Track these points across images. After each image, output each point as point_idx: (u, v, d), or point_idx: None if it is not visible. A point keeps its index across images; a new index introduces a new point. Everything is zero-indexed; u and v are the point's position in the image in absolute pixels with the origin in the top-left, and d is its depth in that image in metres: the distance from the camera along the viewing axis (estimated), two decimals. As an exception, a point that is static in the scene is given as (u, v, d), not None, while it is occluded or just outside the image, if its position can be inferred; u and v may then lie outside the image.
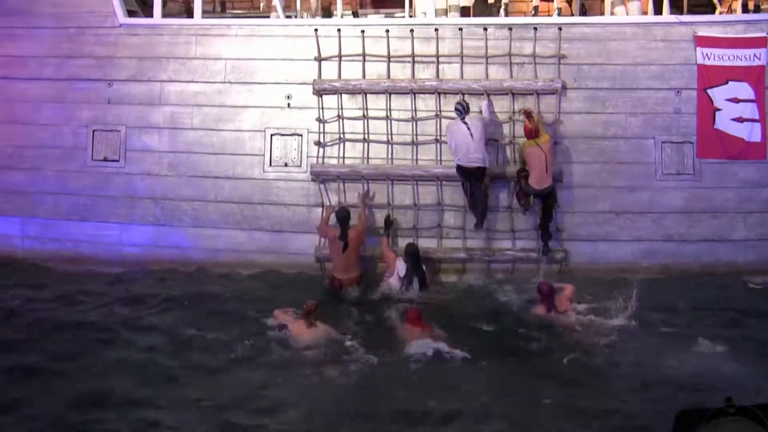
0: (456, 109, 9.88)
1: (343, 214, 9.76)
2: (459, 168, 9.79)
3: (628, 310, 8.62)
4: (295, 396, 6.99)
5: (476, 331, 8.54)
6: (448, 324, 8.51)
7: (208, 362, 7.68)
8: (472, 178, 9.79)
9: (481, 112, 10.06)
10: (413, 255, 9.66)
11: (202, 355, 7.86)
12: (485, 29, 10.20)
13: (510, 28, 10.30)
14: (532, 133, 9.74)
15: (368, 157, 10.33)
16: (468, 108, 9.89)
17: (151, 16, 10.90)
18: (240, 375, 7.44)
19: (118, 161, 10.68)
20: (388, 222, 10.08)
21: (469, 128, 9.68)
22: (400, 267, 9.64)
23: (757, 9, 10.89)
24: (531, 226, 10.10)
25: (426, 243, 10.13)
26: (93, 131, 10.73)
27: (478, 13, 11.07)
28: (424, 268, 9.69)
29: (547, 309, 8.79)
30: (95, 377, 7.27)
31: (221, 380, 7.31)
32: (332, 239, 9.74)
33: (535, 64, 10.17)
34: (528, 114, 9.83)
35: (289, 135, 10.45)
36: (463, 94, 10.16)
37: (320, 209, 10.24)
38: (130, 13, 10.96)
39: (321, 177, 10.24)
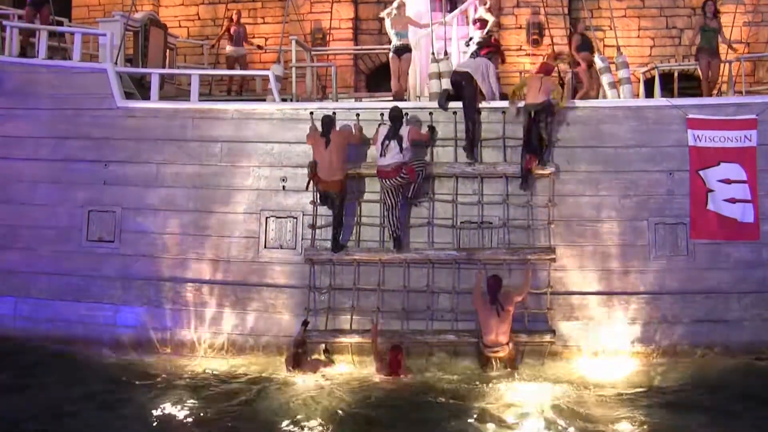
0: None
1: (326, 119, 10.09)
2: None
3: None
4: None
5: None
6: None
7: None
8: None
9: None
10: (393, 119, 9.97)
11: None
12: (479, 113, 10.30)
13: (503, 112, 10.42)
14: (541, 71, 10.06)
15: (360, 240, 10.33)
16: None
17: (149, 98, 11.00)
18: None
19: (113, 242, 10.66)
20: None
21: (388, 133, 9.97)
22: (382, 132, 9.99)
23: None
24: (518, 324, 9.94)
25: (416, 325, 10.04)
26: (88, 212, 10.71)
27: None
28: (405, 131, 9.89)
29: (491, 300, 9.34)
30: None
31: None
32: (316, 140, 10.01)
33: (529, 146, 10.22)
34: (555, 54, 10.08)
35: (284, 217, 10.49)
36: (457, 177, 10.26)
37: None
38: (128, 96, 11.06)
39: (313, 260, 10.21)
